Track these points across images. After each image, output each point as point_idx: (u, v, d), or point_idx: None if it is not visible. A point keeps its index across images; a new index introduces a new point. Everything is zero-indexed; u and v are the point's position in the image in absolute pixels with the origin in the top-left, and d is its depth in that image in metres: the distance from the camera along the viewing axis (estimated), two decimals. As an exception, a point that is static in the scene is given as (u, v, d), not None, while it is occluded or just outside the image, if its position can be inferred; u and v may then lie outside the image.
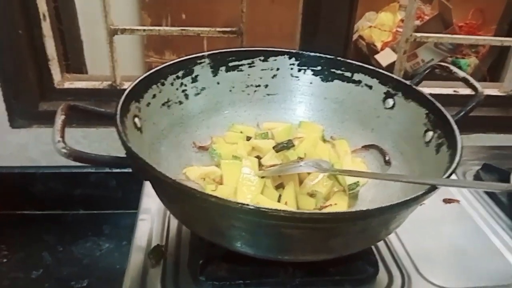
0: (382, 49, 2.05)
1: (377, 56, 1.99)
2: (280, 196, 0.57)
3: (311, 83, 0.71)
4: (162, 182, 0.43)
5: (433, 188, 0.43)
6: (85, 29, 1.21)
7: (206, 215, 0.45)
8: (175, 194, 0.44)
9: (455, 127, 0.54)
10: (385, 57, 1.93)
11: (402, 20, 2.09)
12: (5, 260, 1.01)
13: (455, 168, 0.46)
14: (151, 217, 0.67)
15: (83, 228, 1.09)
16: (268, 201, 0.55)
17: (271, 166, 0.61)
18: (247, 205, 0.38)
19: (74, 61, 1.12)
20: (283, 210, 0.39)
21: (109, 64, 0.94)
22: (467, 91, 1.02)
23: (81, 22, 1.19)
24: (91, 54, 1.26)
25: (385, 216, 0.43)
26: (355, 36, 2.10)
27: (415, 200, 0.41)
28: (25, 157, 1.02)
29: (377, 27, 2.11)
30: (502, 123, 1.05)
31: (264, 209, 0.39)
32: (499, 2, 1.69)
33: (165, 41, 2.03)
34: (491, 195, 0.76)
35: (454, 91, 1.02)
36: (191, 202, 0.43)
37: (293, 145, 0.62)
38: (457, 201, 0.75)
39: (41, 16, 0.89)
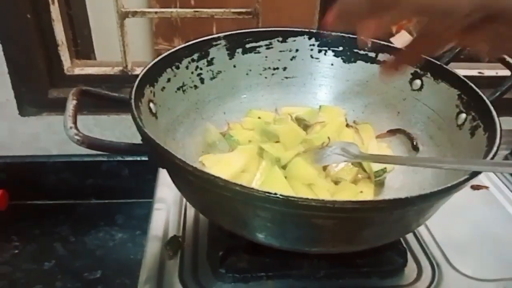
0: (397, 32, 1.99)
1: (392, 39, 1.94)
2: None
3: (332, 64, 0.68)
4: (182, 170, 0.40)
5: (475, 173, 0.40)
6: (94, 15, 1.19)
7: (228, 205, 0.42)
8: (195, 183, 0.41)
9: (491, 108, 0.50)
10: (400, 40, 1.87)
11: (417, 2, 2.03)
12: (16, 251, 1.00)
13: (497, 151, 0.43)
14: (167, 207, 0.65)
15: (96, 218, 1.07)
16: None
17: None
18: (275, 194, 0.35)
19: (83, 47, 1.09)
20: (314, 199, 0.36)
21: (120, 48, 0.91)
22: (493, 72, 0.98)
23: (89, 8, 1.16)
24: (99, 40, 1.24)
25: (424, 204, 0.40)
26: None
27: (457, 187, 0.38)
28: (36, 146, 1.01)
29: (391, 10, 2.05)
30: (530, 106, 1.01)
31: (293, 198, 0.36)
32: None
33: (173, 28, 2.00)
34: (521, 181, 0.73)
35: (479, 72, 0.98)
36: (213, 191, 0.40)
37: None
38: (486, 187, 0.72)
39: (50, 0, 0.86)
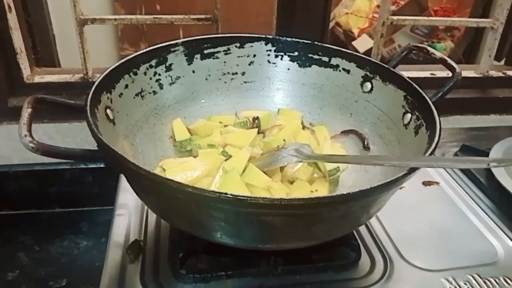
0: (359, 36, 2.05)
1: (354, 43, 2.00)
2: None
3: (288, 69, 0.70)
4: (137, 174, 0.41)
5: (413, 169, 0.42)
6: (57, 21, 1.17)
7: (183, 207, 0.44)
8: (150, 186, 0.43)
9: (433, 108, 0.53)
10: (362, 44, 1.93)
11: (378, 6, 2.09)
12: (-21, 262, 0.98)
13: (435, 149, 0.46)
14: (129, 212, 0.66)
15: (60, 226, 1.06)
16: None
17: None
18: (225, 194, 0.37)
19: (44, 54, 1.08)
20: (262, 198, 0.37)
21: (80, 56, 0.91)
22: (444, 74, 1.03)
23: (52, 14, 1.15)
24: (63, 46, 1.22)
25: (367, 200, 0.42)
26: (332, 24, 2.10)
27: (396, 182, 0.41)
28: (-4, 155, 0.99)
29: (353, 14, 2.11)
30: (479, 105, 1.06)
31: (242, 197, 0.37)
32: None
33: (139, 33, 1.99)
34: (469, 176, 0.77)
35: (431, 74, 1.02)
36: (168, 194, 0.42)
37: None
38: (437, 183, 0.76)
39: (6, 8, 0.85)
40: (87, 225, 1.07)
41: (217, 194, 0.38)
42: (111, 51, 1.92)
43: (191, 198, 0.40)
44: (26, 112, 0.47)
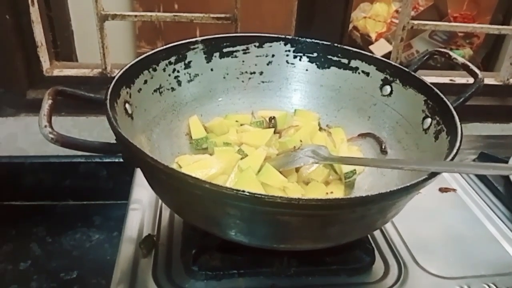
0: (376, 40, 2.04)
1: (371, 47, 1.98)
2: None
3: (307, 70, 0.70)
4: (154, 169, 0.41)
5: (434, 174, 0.42)
6: (76, 17, 1.19)
7: (200, 203, 0.44)
8: (167, 181, 0.43)
9: (454, 113, 0.53)
10: (379, 48, 1.92)
11: (396, 11, 2.08)
12: (-8, 252, 0.99)
13: (456, 154, 0.45)
14: (142, 207, 0.66)
15: (73, 219, 1.07)
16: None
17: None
18: (243, 191, 0.37)
19: (63, 49, 1.09)
20: (279, 197, 0.37)
21: (99, 51, 0.91)
22: (463, 80, 1.02)
23: (71, 10, 1.16)
24: (81, 43, 1.24)
25: (385, 203, 0.42)
26: (349, 27, 2.09)
27: (416, 186, 0.40)
28: (14, 147, 1.00)
29: (371, 18, 2.10)
30: (498, 112, 1.05)
31: (260, 196, 0.37)
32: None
33: (157, 31, 2.00)
34: (487, 183, 0.76)
35: (451, 80, 1.01)
36: (184, 189, 0.42)
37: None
38: (454, 190, 0.75)
39: (29, 2, 0.86)
40: (99, 218, 1.08)
41: (235, 191, 0.37)
42: (128, 48, 1.94)
43: (208, 194, 0.40)
44: (46, 104, 0.47)
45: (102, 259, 0.98)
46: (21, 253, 0.99)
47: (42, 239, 1.02)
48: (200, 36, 0.65)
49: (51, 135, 0.43)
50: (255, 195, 0.37)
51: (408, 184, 0.39)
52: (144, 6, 1.93)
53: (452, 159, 0.45)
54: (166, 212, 0.65)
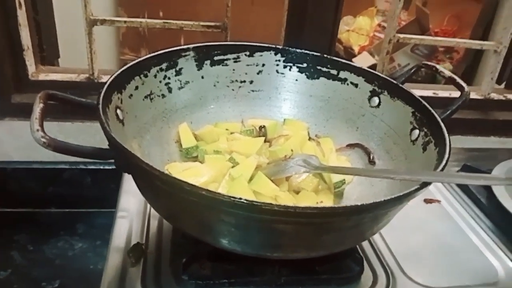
0: (359, 53, 2.07)
1: (354, 60, 2.01)
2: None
3: (296, 80, 0.70)
4: (148, 174, 0.41)
5: (425, 184, 0.43)
6: (60, 22, 1.17)
7: (194, 210, 0.43)
8: (162, 187, 0.42)
9: (442, 125, 0.54)
10: (362, 61, 1.94)
11: (379, 25, 2.12)
12: (-30, 260, 0.96)
13: (446, 164, 0.46)
14: (130, 215, 0.65)
15: (56, 227, 1.05)
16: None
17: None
18: (240, 198, 0.37)
19: (49, 54, 1.08)
20: (277, 205, 0.38)
21: (87, 56, 0.90)
22: (446, 93, 1.04)
23: (56, 14, 1.15)
24: (64, 47, 1.22)
25: (378, 212, 0.43)
26: (333, 39, 2.12)
27: (409, 196, 0.41)
28: (-4, 151, 0.98)
29: (354, 31, 2.13)
30: (480, 126, 1.08)
31: (257, 203, 0.37)
32: (474, 8, 1.73)
33: (141, 38, 2.00)
34: (470, 195, 0.78)
35: (434, 93, 1.04)
36: (179, 195, 0.41)
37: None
38: (438, 201, 0.76)
39: (17, 4, 0.85)
40: (83, 226, 1.06)
41: (232, 198, 0.38)
42: (112, 55, 1.92)
43: (204, 201, 0.39)
44: (38, 107, 0.46)
45: (85, 268, 0.96)
46: (1, 261, 0.96)
47: (23, 247, 0.99)
48: (185, 44, 0.65)
49: (43, 139, 0.42)
50: (253, 202, 0.37)
51: (401, 194, 0.40)
52: (129, 12, 1.93)
53: (442, 169, 0.46)
54: (155, 220, 0.64)
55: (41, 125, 0.44)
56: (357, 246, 0.60)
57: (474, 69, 1.76)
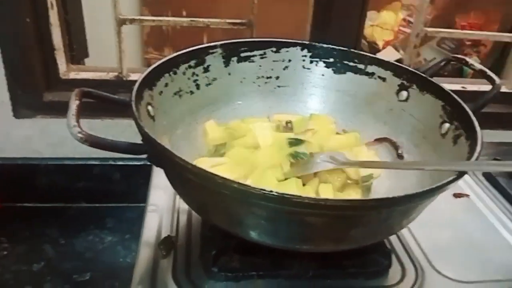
0: (383, 48, 2.05)
1: (379, 55, 1.99)
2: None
3: (323, 75, 0.70)
4: (181, 168, 0.42)
5: (462, 173, 0.42)
6: (88, 22, 1.20)
7: (225, 203, 0.44)
8: (193, 181, 0.43)
9: (473, 117, 0.53)
10: (387, 56, 1.92)
11: (404, 19, 2.09)
12: (5, 253, 1.00)
13: (478, 155, 0.46)
14: (160, 209, 0.67)
15: (86, 221, 1.08)
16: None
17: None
18: (271, 191, 0.38)
19: (79, 53, 1.11)
20: (307, 197, 0.38)
21: (116, 54, 0.92)
22: (475, 87, 1.02)
23: (85, 14, 1.17)
24: (91, 47, 1.25)
25: (409, 205, 0.43)
26: (357, 35, 2.10)
27: (442, 187, 0.41)
28: (29, 148, 1.01)
29: (379, 26, 2.11)
30: (509, 119, 1.06)
31: (288, 196, 0.38)
32: (502, 2, 1.69)
33: (164, 37, 2.02)
34: (500, 189, 0.76)
35: (462, 87, 1.02)
36: (210, 188, 0.42)
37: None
38: (467, 195, 0.75)
39: (49, 5, 0.88)
40: (112, 221, 1.08)
41: (262, 191, 0.38)
42: (136, 54, 1.95)
43: (236, 194, 0.40)
44: (74, 104, 0.48)
45: (115, 261, 0.98)
46: (34, 254, 0.99)
47: (55, 241, 1.02)
48: (207, 42, 0.66)
49: (80, 135, 0.44)
50: (284, 195, 0.38)
51: (434, 186, 0.40)
52: (152, 11, 1.95)
53: (476, 159, 0.46)
54: (184, 214, 0.65)
55: (78, 121, 0.45)
56: (385, 241, 0.60)
57: (502, 62, 1.72)
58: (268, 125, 0.65)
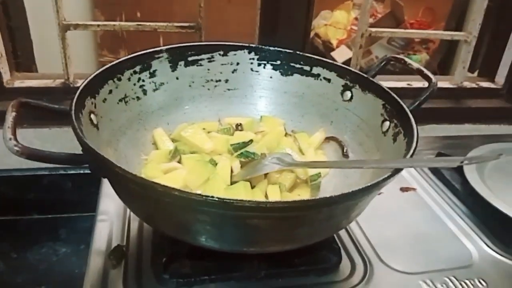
0: (337, 47, 2.09)
1: (333, 53, 2.04)
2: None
3: (271, 77, 0.71)
4: (123, 178, 0.42)
5: (397, 170, 0.44)
6: (35, 27, 1.16)
7: (169, 210, 0.44)
8: (136, 190, 0.43)
9: (410, 115, 0.55)
10: (340, 54, 1.97)
11: (356, 18, 2.14)
12: (-47, 270, 0.96)
13: (413, 152, 0.48)
14: (110, 218, 0.66)
15: (38, 233, 1.04)
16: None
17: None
18: (212, 197, 0.38)
19: (24, 60, 1.07)
20: (248, 201, 0.38)
21: (61, 61, 0.90)
22: (420, 84, 1.06)
23: (30, 20, 1.14)
24: (40, 52, 1.21)
25: (349, 203, 0.44)
26: (311, 34, 2.14)
27: (377, 185, 0.42)
28: (-27, 161, 0.97)
29: (332, 25, 2.15)
30: (453, 114, 1.10)
31: (229, 200, 0.38)
32: (448, 0, 1.77)
33: (119, 40, 1.98)
34: (445, 182, 0.80)
35: (408, 84, 1.06)
36: (154, 197, 0.42)
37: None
38: (414, 189, 0.78)
39: (-12, 11, 0.85)
40: (65, 231, 1.05)
41: (204, 197, 0.38)
42: (90, 58, 1.91)
43: (178, 202, 0.40)
44: (10, 116, 0.47)
45: (70, 273, 0.96)
46: (-16, 270, 0.96)
47: (6, 255, 0.99)
48: (163, 44, 0.66)
49: (16, 148, 0.43)
50: (224, 200, 0.38)
51: (369, 184, 0.41)
52: (106, 14, 1.91)
53: (411, 157, 0.47)
54: (135, 222, 0.65)
55: (14, 134, 0.44)
56: (335, 237, 0.62)
57: (450, 59, 1.80)
58: (198, 129, 0.65)
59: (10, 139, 0.43)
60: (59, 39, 0.88)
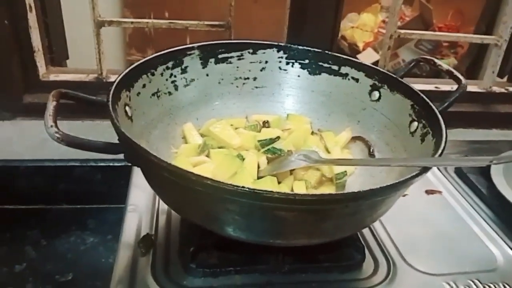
0: (363, 49, 2.08)
1: (359, 56, 2.03)
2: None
3: (299, 76, 0.72)
4: (156, 166, 0.43)
5: (426, 169, 0.44)
6: (68, 24, 1.20)
7: (200, 199, 0.46)
8: (168, 178, 0.45)
9: (439, 116, 0.56)
10: (367, 57, 1.96)
11: (383, 21, 2.13)
12: (-14, 255, 1.00)
13: (441, 152, 0.48)
14: (140, 209, 0.68)
15: (67, 222, 1.08)
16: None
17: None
18: (242, 187, 0.39)
19: (58, 55, 1.11)
20: (277, 192, 0.39)
21: (95, 56, 0.93)
22: (448, 87, 1.05)
23: (64, 16, 1.17)
24: (71, 49, 1.25)
25: (376, 199, 0.44)
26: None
27: (405, 183, 0.43)
28: (9, 151, 1.01)
29: (359, 28, 2.15)
30: (481, 119, 1.09)
31: (258, 191, 0.39)
32: (478, 3, 1.74)
33: (147, 39, 2.02)
34: (470, 185, 0.79)
35: (436, 87, 1.05)
36: (186, 186, 0.44)
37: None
38: (439, 192, 0.78)
39: (28, 7, 0.88)
40: (94, 222, 1.08)
41: (235, 187, 0.40)
42: (118, 56, 1.95)
43: (209, 191, 0.41)
44: (51, 105, 0.49)
45: (97, 262, 0.99)
46: (16, 255, 0.99)
47: (36, 242, 1.02)
48: (190, 43, 0.67)
49: (57, 135, 0.45)
50: (255, 190, 0.39)
51: (397, 181, 0.42)
52: (134, 13, 1.95)
53: (440, 156, 0.48)
54: (163, 213, 0.67)
55: (55, 122, 0.46)
56: (359, 235, 0.62)
57: (479, 63, 1.77)
58: (226, 125, 0.66)
59: (52, 126, 0.45)
60: (94, 35, 0.90)
